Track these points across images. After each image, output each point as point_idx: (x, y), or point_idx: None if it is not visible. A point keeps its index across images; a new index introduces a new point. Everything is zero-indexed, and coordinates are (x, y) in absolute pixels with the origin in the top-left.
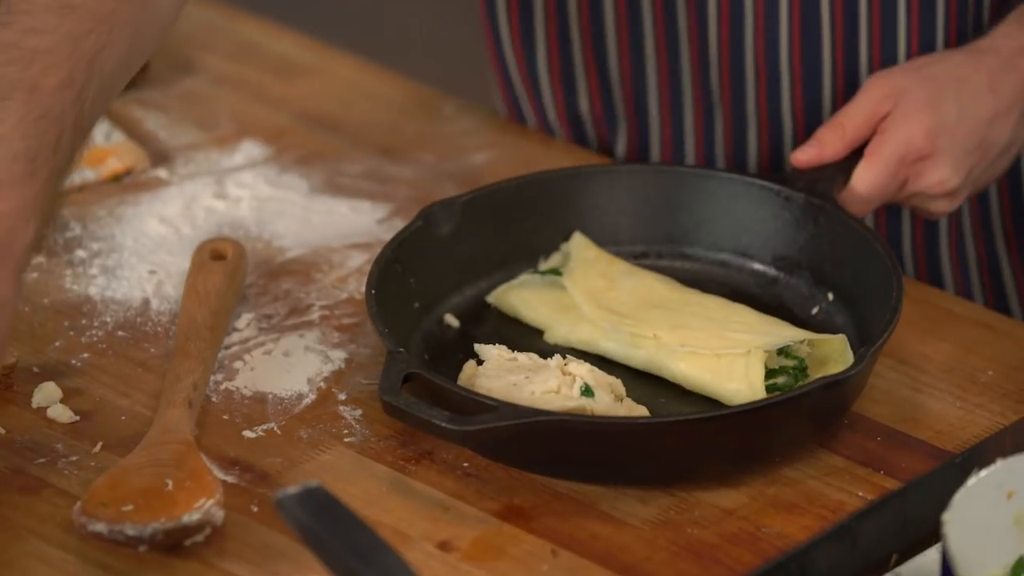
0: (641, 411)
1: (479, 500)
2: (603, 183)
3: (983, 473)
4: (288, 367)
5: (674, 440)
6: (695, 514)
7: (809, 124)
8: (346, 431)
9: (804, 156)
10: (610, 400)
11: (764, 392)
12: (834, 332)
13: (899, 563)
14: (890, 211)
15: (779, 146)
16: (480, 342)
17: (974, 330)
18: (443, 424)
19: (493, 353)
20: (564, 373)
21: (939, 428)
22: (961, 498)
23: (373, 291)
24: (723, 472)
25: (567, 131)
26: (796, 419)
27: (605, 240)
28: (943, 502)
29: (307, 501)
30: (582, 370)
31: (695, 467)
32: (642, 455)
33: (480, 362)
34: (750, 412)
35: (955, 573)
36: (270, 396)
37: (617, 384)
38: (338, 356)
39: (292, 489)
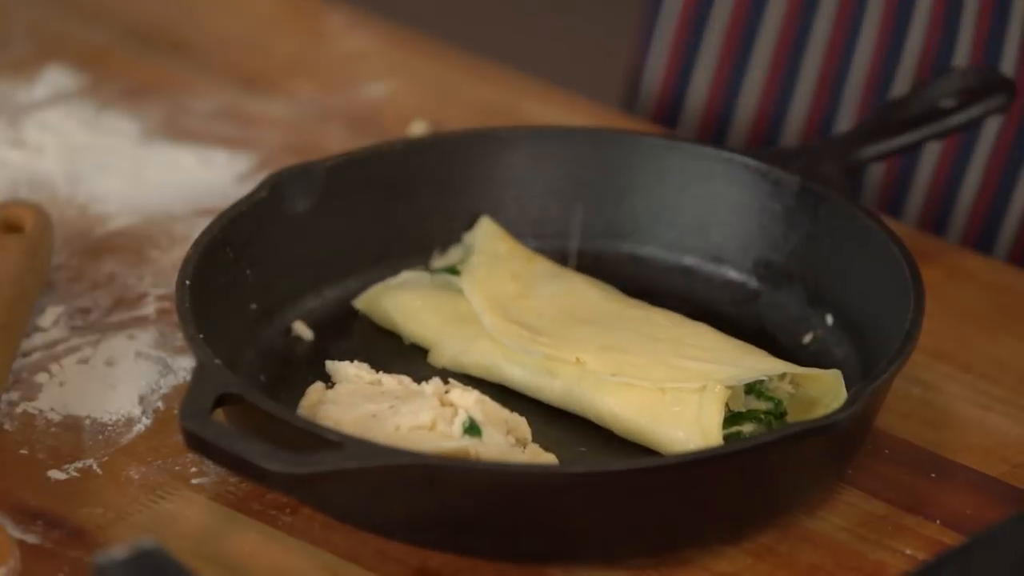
0: (548, 460)
1: (381, 564)
2: (525, 151)
3: None
4: (113, 381)
5: (584, 500)
6: None
7: None
8: (194, 469)
9: None
10: (505, 443)
11: (720, 441)
12: (828, 367)
13: None
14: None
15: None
16: (341, 359)
17: None
18: (263, 464)
19: (349, 373)
20: (444, 403)
21: (1018, 460)
22: None
23: (187, 282)
24: (654, 544)
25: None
26: (756, 479)
27: (524, 231)
28: (1022, 562)
29: (140, 568)
30: (468, 400)
31: (617, 538)
32: (544, 519)
33: (332, 385)
34: (688, 466)
35: None
36: (87, 421)
37: (519, 423)
38: (182, 365)
39: (119, 551)
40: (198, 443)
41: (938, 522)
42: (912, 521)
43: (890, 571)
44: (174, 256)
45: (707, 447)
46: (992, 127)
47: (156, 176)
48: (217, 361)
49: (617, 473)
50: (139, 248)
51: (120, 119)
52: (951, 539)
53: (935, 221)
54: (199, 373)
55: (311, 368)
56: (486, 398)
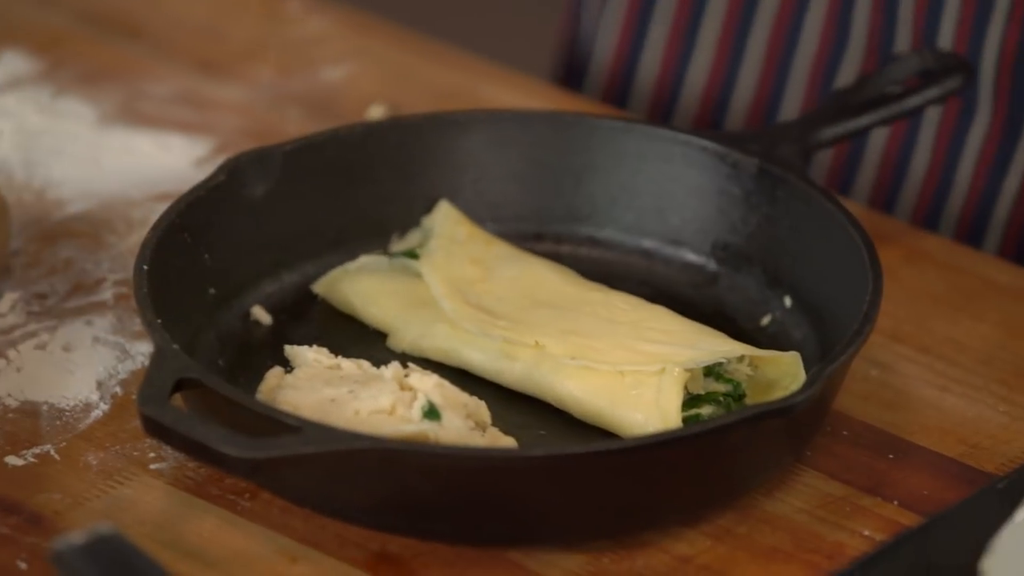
0: (508, 444)
1: (340, 548)
2: (483, 135)
3: None
4: (70, 367)
5: (543, 483)
6: (639, 563)
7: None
8: (153, 454)
9: None
10: (465, 426)
11: (679, 423)
12: (789, 347)
13: None
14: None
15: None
16: (300, 344)
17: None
18: (221, 449)
19: (308, 357)
20: (403, 388)
21: (974, 441)
22: (1006, 539)
23: (145, 267)
24: (614, 527)
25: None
26: (715, 461)
27: (483, 215)
28: (981, 543)
29: (98, 554)
30: (427, 384)
31: (577, 520)
32: (504, 502)
33: (291, 369)
34: (647, 449)
35: None
36: (44, 407)
37: (479, 407)
38: (140, 351)
39: (76, 537)
40: (156, 428)
41: (896, 503)
42: (870, 502)
43: (849, 552)
44: (132, 241)
45: (666, 430)
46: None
47: (113, 161)
48: (175, 346)
49: (576, 456)
50: (96, 233)
51: (77, 104)
52: (909, 520)
53: (884, 201)
54: (157, 358)
55: (270, 353)
56: (445, 382)
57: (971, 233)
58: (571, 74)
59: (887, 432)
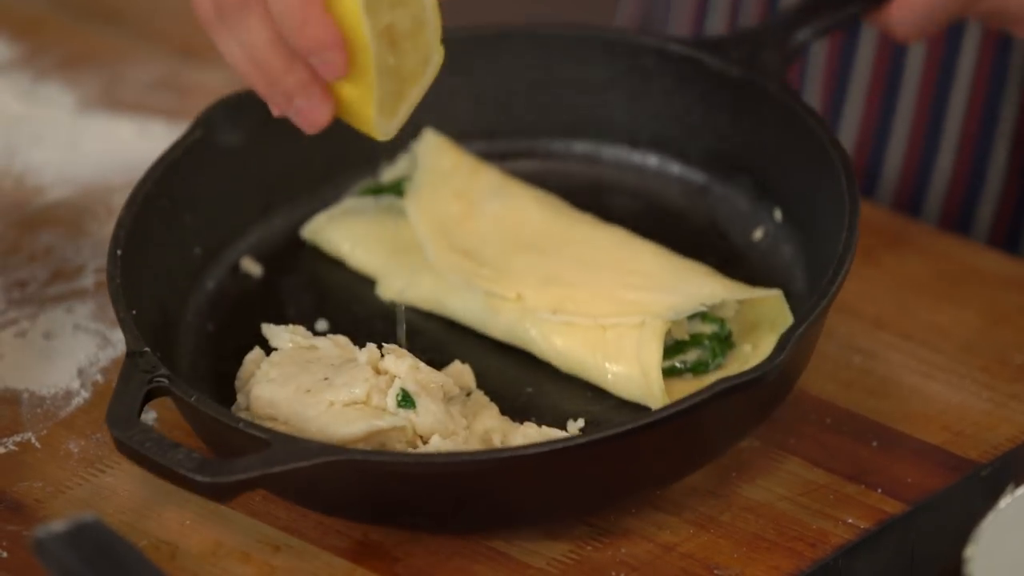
0: (491, 411)
1: (322, 536)
2: (456, 53)
3: (1019, 491)
4: (51, 354)
5: (512, 478)
6: (622, 551)
7: None
8: None
9: None
10: (440, 411)
11: (659, 378)
12: (780, 264)
13: None
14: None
15: None
16: (291, 294)
17: (1007, 293)
18: (188, 475)
19: (284, 339)
20: (378, 371)
21: (958, 428)
22: (990, 526)
23: (119, 252)
24: (588, 506)
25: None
26: (683, 439)
27: (476, 133)
28: (964, 531)
29: (79, 542)
30: (402, 368)
31: (552, 504)
32: (475, 497)
33: (270, 350)
34: (612, 440)
35: None
36: (25, 395)
37: (462, 372)
38: (121, 338)
39: (58, 525)
40: (127, 451)
41: (880, 491)
42: (854, 490)
43: (832, 540)
44: (112, 227)
45: (631, 420)
46: (911, 94)
47: (93, 147)
48: (146, 349)
49: (541, 455)
50: (77, 220)
51: (56, 90)
52: (893, 508)
53: (864, 190)
54: (127, 368)
55: (263, 305)
56: (420, 363)
57: (959, 220)
58: None
59: (870, 419)
